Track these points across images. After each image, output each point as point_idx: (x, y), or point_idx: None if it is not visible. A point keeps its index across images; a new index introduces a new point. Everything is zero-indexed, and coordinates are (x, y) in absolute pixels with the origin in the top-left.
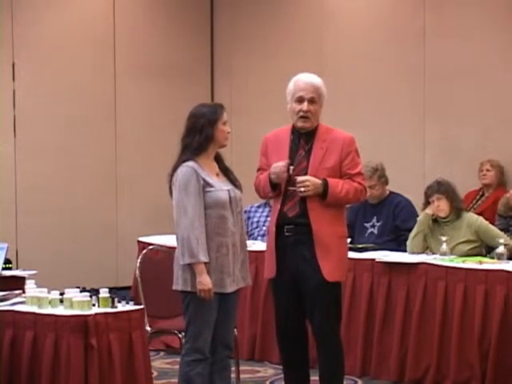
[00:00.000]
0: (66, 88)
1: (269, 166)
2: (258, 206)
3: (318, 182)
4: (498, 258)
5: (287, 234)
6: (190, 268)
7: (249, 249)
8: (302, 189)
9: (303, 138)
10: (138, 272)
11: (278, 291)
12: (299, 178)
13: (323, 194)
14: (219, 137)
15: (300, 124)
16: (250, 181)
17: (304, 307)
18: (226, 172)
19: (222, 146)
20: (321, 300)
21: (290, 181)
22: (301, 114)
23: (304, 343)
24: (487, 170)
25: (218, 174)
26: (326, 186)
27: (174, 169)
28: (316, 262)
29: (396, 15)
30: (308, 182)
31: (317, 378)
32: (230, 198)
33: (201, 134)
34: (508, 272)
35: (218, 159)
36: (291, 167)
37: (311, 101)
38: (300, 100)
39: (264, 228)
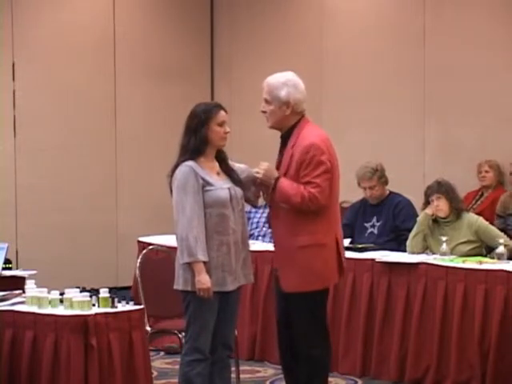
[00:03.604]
0: (65, 88)
1: None
2: (259, 207)
3: (275, 173)
4: (498, 258)
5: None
6: (191, 268)
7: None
8: (256, 169)
9: (281, 143)
10: (138, 272)
11: (275, 301)
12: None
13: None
14: (213, 138)
15: None
16: None
17: None
18: (228, 172)
19: (219, 146)
20: (285, 309)
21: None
22: None
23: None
24: (486, 172)
25: (218, 173)
26: (277, 180)
27: (174, 169)
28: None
29: (396, 15)
30: (266, 166)
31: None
32: (230, 196)
33: (196, 136)
34: (508, 272)
35: (222, 158)
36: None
37: (265, 101)
38: None
39: (264, 228)
